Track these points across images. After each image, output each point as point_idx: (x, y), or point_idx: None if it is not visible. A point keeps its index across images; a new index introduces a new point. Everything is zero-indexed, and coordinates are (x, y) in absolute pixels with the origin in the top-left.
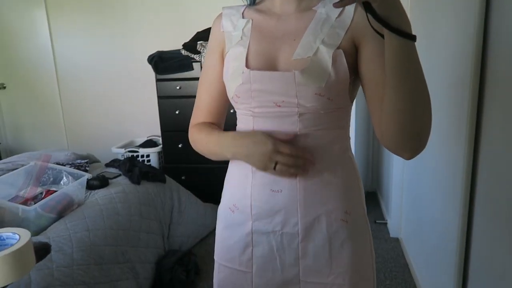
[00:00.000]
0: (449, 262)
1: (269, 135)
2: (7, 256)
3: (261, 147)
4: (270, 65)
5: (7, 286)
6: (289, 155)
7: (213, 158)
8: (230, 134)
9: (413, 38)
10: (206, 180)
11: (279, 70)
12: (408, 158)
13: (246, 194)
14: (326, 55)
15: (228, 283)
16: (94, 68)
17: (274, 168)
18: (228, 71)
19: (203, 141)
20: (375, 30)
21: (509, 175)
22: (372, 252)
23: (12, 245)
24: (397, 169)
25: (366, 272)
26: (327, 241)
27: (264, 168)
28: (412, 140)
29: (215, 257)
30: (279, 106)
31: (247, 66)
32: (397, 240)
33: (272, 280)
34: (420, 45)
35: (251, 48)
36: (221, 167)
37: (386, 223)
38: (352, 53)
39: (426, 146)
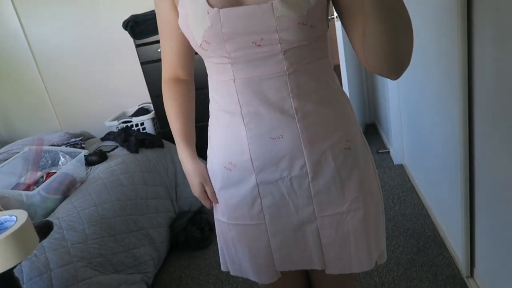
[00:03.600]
0: (454, 177)
1: (200, 184)
2: (7, 238)
3: (192, 185)
4: (235, 1)
5: (15, 267)
6: (209, 203)
7: None
8: (181, 150)
9: None
10: (205, 138)
11: (246, 5)
12: (395, 79)
13: (243, 148)
14: None
15: (242, 239)
16: (70, 45)
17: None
18: (186, 16)
19: (170, 123)
20: None
21: (506, 82)
22: (375, 169)
23: (10, 227)
24: (393, 98)
25: (373, 190)
26: (336, 173)
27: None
28: (396, 67)
29: (220, 218)
30: (259, 45)
31: (209, 4)
32: (401, 166)
33: (288, 224)
34: None
35: None
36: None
37: (388, 152)
38: None
39: (420, 71)
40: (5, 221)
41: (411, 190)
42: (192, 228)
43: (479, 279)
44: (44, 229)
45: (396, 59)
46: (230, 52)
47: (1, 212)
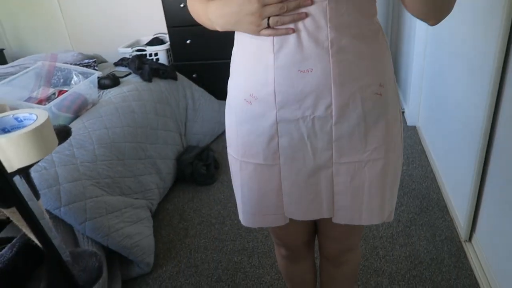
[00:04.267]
0: (471, 145)
1: None
2: (28, 134)
3: (246, 7)
4: None
5: (33, 164)
6: (278, 2)
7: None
8: (214, 4)
9: None
10: (219, 76)
11: None
12: (433, 25)
13: (268, 80)
14: None
15: (252, 180)
16: None
17: (268, 25)
18: None
19: (199, 15)
20: None
21: None
22: (401, 122)
23: (30, 125)
24: (418, 57)
25: (397, 143)
26: (362, 119)
27: (257, 30)
28: (438, 7)
29: (233, 154)
30: None
31: None
32: (414, 128)
33: (302, 168)
34: None
35: None
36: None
37: (403, 112)
38: None
39: (455, 24)
40: (24, 119)
41: (421, 152)
42: (199, 163)
43: (477, 244)
44: (62, 133)
45: (438, 2)
46: None
47: (20, 110)
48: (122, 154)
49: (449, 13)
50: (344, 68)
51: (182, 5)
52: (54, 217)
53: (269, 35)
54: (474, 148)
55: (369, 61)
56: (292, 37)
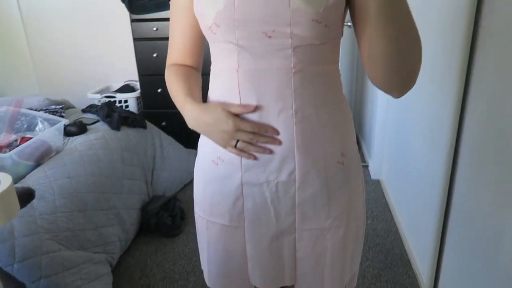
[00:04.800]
0: (431, 201)
1: (229, 113)
2: None
3: (221, 125)
4: None
5: None
6: (251, 132)
7: None
8: (191, 105)
9: None
10: (187, 127)
11: None
12: (397, 97)
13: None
14: None
15: (218, 240)
16: (63, 8)
17: (235, 146)
18: None
19: (173, 96)
20: None
21: (496, 122)
22: (364, 190)
23: None
24: (381, 112)
25: (359, 211)
26: (325, 186)
27: (224, 146)
28: (401, 81)
29: (200, 213)
30: (270, 37)
31: None
32: (378, 182)
33: (266, 232)
34: None
35: None
36: None
37: (367, 166)
38: None
39: (414, 87)
40: None
41: (385, 206)
42: (164, 214)
43: None
44: (25, 196)
45: (401, 74)
46: (239, 39)
47: None
48: (84, 205)
49: (412, 85)
50: (308, 136)
51: (155, 55)
52: (6, 275)
53: (232, 152)
54: (434, 204)
55: (332, 130)
56: (258, 104)
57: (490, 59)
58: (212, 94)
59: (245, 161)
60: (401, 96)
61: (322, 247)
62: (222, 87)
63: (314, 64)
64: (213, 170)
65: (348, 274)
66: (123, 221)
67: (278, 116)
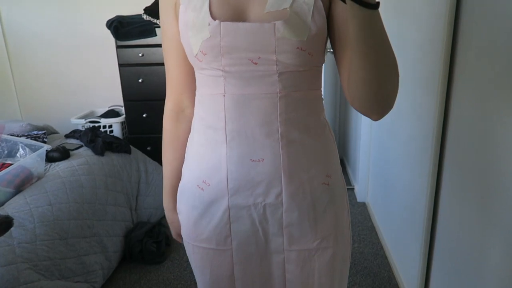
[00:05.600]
0: (417, 223)
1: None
2: None
3: (170, 225)
4: (239, 16)
5: None
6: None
7: None
8: (166, 198)
9: (375, 6)
10: None
11: (249, 21)
12: (376, 120)
13: (221, 167)
14: (305, 6)
15: (205, 264)
16: (47, 33)
17: None
18: (186, 23)
19: (164, 163)
20: None
21: (478, 144)
22: (349, 212)
23: None
24: (365, 136)
25: (345, 232)
26: (312, 208)
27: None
28: (379, 105)
29: (186, 239)
30: (255, 63)
31: (212, 16)
32: (364, 204)
33: (255, 252)
34: (388, 10)
35: None
36: None
37: (353, 189)
38: (327, 5)
39: (396, 113)
40: None
41: (372, 229)
42: (149, 240)
43: None
44: (3, 224)
45: (380, 98)
46: (225, 66)
47: None
48: (65, 232)
49: (390, 109)
50: (293, 159)
51: (140, 80)
52: None
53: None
54: (419, 227)
55: (317, 153)
56: (244, 130)
57: (469, 86)
58: (196, 119)
59: (231, 184)
60: (380, 118)
61: (310, 270)
62: (207, 112)
63: (298, 89)
64: (199, 195)
65: None
66: (106, 248)
67: (265, 140)
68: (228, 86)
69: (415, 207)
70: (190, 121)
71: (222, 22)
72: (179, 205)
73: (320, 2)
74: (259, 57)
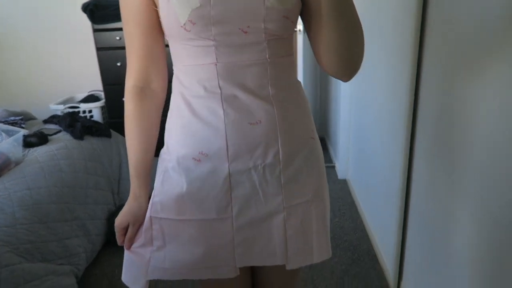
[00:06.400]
0: (392, 196)
1: (123, 229)
2: None
3: (117, 220)
4: None
5: None
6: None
7: None
8: (132, 181)
9: None
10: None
11: None
12: (346, 81)
13: (219, 135)
14: None
15: (199, 238)
16: (23, 17)
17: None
18: None
19: (128, 145)
20: None
21: (446, 117)
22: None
23: None
24: (344, 114)
25: (326, 186)
26: (304, 163)
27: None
28: (349, 68)
29: (170, 216)
30: (245, 32)
31: None
32: (344, 181)
33: (255, 215)
34: None
35: None
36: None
37: (334, 166)
38: None
39: (371, 90)
40: None
41: (352, 204)
42: None
43: None
44: None
45: (350, 62)
46: (216, 35)
47: None
48: (45, 216)
49: (357, 70)
50: (286, 118)
51: (119, 64)
52: None
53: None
54: (394, 200)
55: (301, 111)
56: (239, 95)
57: (437, 59)
58: (181, 92)
59: (232, 150)
60: (349, 79)
61: (309, 221)
62: (194, 83)
63: (283, 55)
64: (196, 168)
65: (329, 242)
66: (89, 232)
67: (260, 103)
68: (220, 55)
69: (391, 181)
70: (158, 98)
71: None
72: (167, 182)
73: None
74: (249, 26)
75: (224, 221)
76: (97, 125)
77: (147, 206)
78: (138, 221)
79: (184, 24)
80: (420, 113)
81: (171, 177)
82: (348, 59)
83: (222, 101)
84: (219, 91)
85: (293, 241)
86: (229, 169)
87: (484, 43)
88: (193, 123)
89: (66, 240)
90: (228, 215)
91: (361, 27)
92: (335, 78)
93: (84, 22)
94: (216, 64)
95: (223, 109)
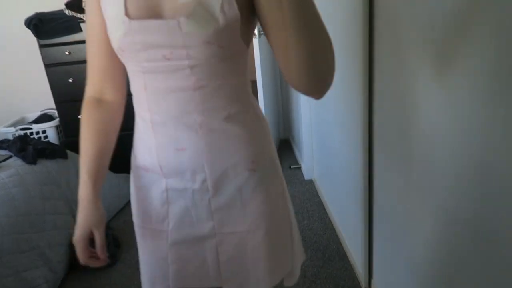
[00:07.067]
0: (355, 194)
1: (81, 239)
2: None
3: (76, 232)
4: (154, 12)
5: None
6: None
7: None
8: (82, 186)
9: None
10: (115, 149)
11: (164, 18)
12: (318, 98)
13: (152, 154)
14: None
15: (145, 245)
16: None
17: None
18: (107, 19)
19: (80, 148)
20: None
21: (400, 111)
22: (285, 194)
23: None
24: (305, 116)
25: (278, 214)
26: (238, 193)
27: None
28: (319, 84)
29: (134, 220)
30: (169, 59)
31: (126, 13)
32: (311, 181)
33: (188, 235)
34: None
35: None
36: (128, 134)
37: (300, 167)
38: None
39: (327, 92)
40: None
41: (319, 204)
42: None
43: None
44: None
45: (318, 77)
46: (143, 62)
47: None
48: None
49: (328, 87)
50: (215, 147)
51: (70, 80)
52: None
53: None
54: (358, 197)
55: (240, 140)
56: (166, 121)
57: (388, 52)
58: (135, 109)
59: (165, 169)
60: (321, 97)
61: (243, 250)
62: (136, 103)
63: (215, 80)
64: (144, 176)
65: (279, 274)
66: (49, 260)
67: (185, 130)
68: (149, 81)
69: (353, 179)
70: (113, 110)
71: (134, 21)
72: (131, 186)
73: None
74: (171, 52)
75: (161, 233)
76: (51, 146)
77: (101, 211)
78: (102, 224)
79: (117, 50)
80: (376, 108)
81: (131, 184)
82: (315, 74)
83: (152, 125)
84: (149, 115)
85: (227, 267)
86: (166, 184)
87: (430, 37)
88: (138, 140)
89: (24, 273)
90: (164, 228)
91: (328, 38)
92: (306, 95)
93: (29, 38)
94: (145, 89)
95: (153, 133)
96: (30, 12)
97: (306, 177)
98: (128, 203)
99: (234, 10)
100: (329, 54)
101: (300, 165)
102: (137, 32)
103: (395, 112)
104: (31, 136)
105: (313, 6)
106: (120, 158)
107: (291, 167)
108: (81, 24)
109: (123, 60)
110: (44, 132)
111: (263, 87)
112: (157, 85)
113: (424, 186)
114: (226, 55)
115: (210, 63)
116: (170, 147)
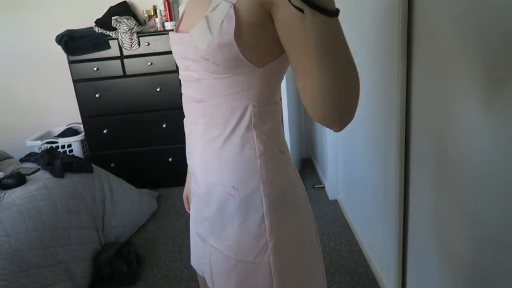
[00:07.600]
0: (389, 216)
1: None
2: None
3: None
4: (190, 27)
5: None
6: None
7: None
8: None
9: (335, 13)
10: (138, 164)
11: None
12: (337, 131)
13: (189, 153)
14: (218, 12)
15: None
16: None
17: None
18: None
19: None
20: (294, 6)
21: (440, 134)
22: (269, 228)
23: None
24: (331, 134)
25: (252, 252)
26: (219, 211)
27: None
28: (340, 117)
29: None
30: (188, 70)
31: (177, 27)
32: (335, 202)
33: (198, 231)
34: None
35: (186, 8)
36: (151, 149)
37: (323, 187)
38: (255, 12)
39: (359, 108)
40: None
41: (345, 226)
42: (119, 261)
43: None
44: None
45: (341, 110)
46: (180, 70)
47: None
48: (26, 264)
49: (350, 120)
50: (205, 161)
51: (97, 95)
52: None
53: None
54: (391, 219)
55: (226, 161)
56: (188, 125)
57: (427, 76)
58: None
59: (191, 169)
60: (341, 129)
61: (222, 271)
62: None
63: (213, 96)
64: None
65: None
66: (73, 275)
67: (193, 137)
68: (183, 88)
69: (386, 200)
70: None
71: (171, 33)
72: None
73: (233, 9)
74: (189, 64)
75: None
76: (78, 160)
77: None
78: (188, 197)
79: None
80: (413, 129)
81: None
82: (339, 108)
83: (184, 126)
84: (186, 119)
85: (216, 277)
86: (193, 180)
87: (473, 52)
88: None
89: (49, 287)
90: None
91: (355, 70)
92: (325, 126)
93: (60, 54)
94: (182, 95)
95: (186, 135)
96: (61, 29)
97: (331, 197)
98: (150, 220)
99: (229, 31)
100: (354, 88)
101: (324, 184)
102: (172, 43)
103: (432, 129)
104: (58, 150)
105: (340, 34)
106: (142, 173)
107: (315, 186)
108: (110, 41)
109: None
110: (69, 146)
111: (288, 107)
112: (183, 91)
113: (466, 208)
114: (224, 74)
115: (209, 79)
116: (187, 148)
